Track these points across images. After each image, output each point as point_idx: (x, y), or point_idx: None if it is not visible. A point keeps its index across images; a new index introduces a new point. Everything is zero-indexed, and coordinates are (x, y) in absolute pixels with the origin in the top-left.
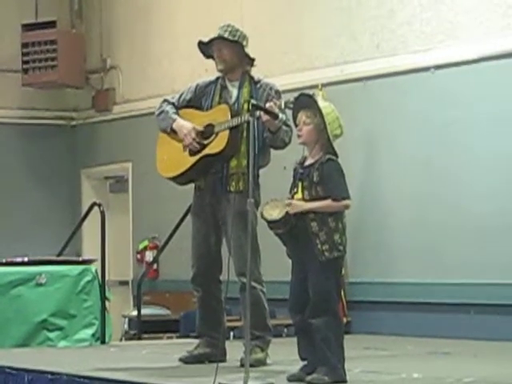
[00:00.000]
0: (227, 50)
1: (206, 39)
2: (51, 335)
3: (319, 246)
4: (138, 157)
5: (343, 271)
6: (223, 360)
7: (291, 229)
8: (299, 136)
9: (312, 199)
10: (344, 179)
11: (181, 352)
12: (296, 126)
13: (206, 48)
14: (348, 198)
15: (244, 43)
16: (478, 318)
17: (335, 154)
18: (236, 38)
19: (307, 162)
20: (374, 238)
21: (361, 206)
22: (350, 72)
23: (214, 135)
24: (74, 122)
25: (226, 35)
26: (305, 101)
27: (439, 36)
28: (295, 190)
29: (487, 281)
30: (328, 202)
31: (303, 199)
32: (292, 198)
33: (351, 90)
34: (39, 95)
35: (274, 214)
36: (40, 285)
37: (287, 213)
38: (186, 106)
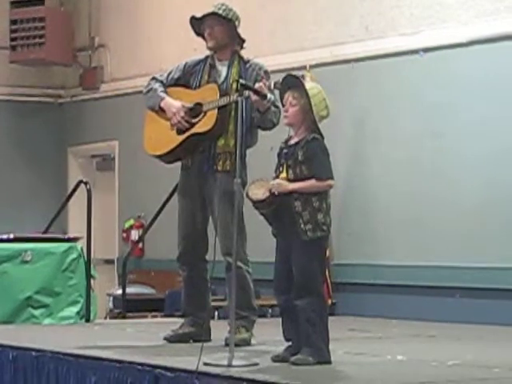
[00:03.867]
0: (219, 27)
1: (199, 15)
2: (36, 312)
3: (302, 226)
4: (125, 135)
5: (328, 253)
6: (208, 339)
7: (276, 208)
8: (285, 117)
9: (296, 178)
10: (328, 159)
11: (165, 331)
12: (283, 106)
13: (197, 24)
14: (331, 177)
15: (236, 23)
16: (463, 302)
17: (321, 136)
18: (229, 17)
19: (292, 141)
20: (359, 220)
21: (347, 188)
22: (338, 54)
23: (202, 114)
24: (61, 100)
25: (219, 12)
26: (292, 81)
27: (428, 19)
28: (280, 169)
29: (473, 264)
30: (311, 182)
31: (287, 178)
32: (277, 177)
33: (340, 72)
34: (27, 72)
35: (259, 193)
36: (25, 262)
37: (272, 193)
38: (175, 85)
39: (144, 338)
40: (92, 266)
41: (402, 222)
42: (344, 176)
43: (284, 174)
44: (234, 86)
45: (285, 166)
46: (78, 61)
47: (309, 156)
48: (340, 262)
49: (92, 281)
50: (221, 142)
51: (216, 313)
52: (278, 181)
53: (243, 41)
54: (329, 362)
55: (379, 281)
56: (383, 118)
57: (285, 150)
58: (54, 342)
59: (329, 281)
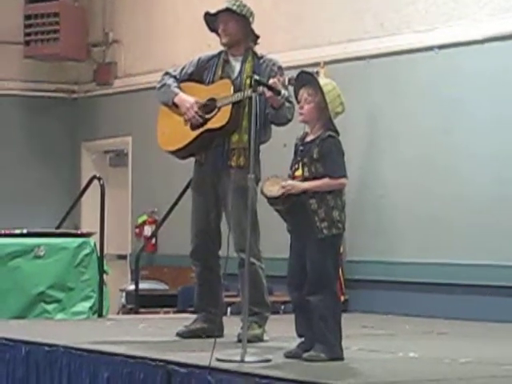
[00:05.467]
0: (233, 23)
1: (213, 11)
2: (49, 307)
3: (318, 224)
4: (139, 131)
5: (342, 249)
6: (220, 335)
7: (291, 205)
8: (301, 114)
9: (311, 176)
10: (342, 157)
11: (178, 327)
12: (298, 103)
13: (211, 20)
14: (345, 176)
15: (250, 19)
16: (475, 299)
17: (336, 132)
18: (243, 13)
19: (308, 139)
20: (373, 217)
21: (361, 185)
22: (353, 50)
23: (216, 110)
24: (75, 95)
25: (233, 8)
26: (306, 78)
27: (443, 16)
28: (296, 166)
29: (485, 262)
30: (324, 181)
31: (303, 176)
32: (293, 174)
33: (354, 69)
34: (41, 67)
35: (274, 190)
36: (38, 257)
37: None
38: (188, 80)
39: (156, 334)
40: (105, 261)
41: (415, 219)
42: (357, 172)
43: (299, 172)
44: (248, 81)
45: (300, 164)
46: (91, 56)
47: (323, 154)
48: (353, 259)
49: (105, 276)
50: (235, 137)
51: (229, 309)
52: (289, 182)
53: (257, 37)
54: (341, 359)
55: (392, 278)
56: (397, 115)
57: (301, 148)
58: (66, 337)
59: (342, 277)
